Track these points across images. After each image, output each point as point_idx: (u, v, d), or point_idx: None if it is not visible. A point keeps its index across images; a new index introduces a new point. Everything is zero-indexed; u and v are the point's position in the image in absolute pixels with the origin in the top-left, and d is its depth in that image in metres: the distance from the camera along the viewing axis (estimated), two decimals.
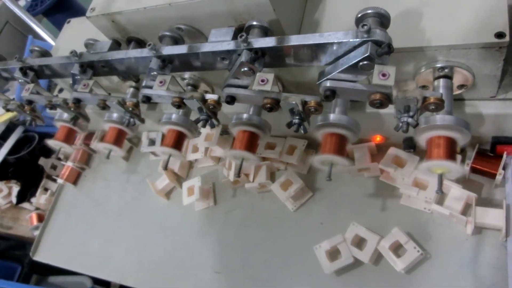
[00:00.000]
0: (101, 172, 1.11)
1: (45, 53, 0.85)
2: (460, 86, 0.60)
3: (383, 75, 0.48)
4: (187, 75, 0.75)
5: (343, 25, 0.57)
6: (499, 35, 0.52)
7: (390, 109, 0.65)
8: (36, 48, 0.85)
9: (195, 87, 0.77)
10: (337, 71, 0.52)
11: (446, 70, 0.57)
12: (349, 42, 0.50)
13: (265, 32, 0.60)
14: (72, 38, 0.98)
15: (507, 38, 0.51)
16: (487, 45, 0.52)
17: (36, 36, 1.41)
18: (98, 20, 0.73)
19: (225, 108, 0.79)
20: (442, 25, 0.56)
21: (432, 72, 0.59)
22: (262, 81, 0.56)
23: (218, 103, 0.64)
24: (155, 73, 0.65)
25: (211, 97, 0.64)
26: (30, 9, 1.81)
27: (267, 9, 0.59)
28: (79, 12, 1.93)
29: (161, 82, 0.64)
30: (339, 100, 0.61)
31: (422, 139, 0.57)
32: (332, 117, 0.58)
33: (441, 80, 0.58)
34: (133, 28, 0.72)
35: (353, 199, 0.78)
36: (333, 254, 0.72)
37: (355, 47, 0.50)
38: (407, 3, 0.61)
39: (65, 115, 0.87)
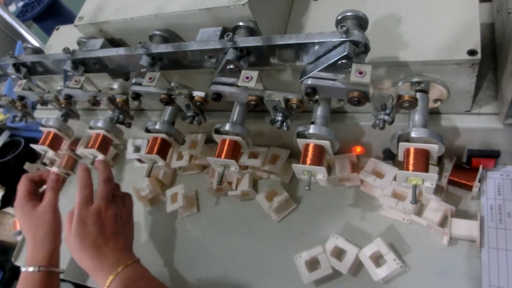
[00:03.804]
0: None
1: (38, 51, 0.86)
2: (436, 100, 0.62)
3: (360, 73, 0.50)
4: (172, 83, 0.76)
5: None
6: (472, 52, 0.54)
7: (369, 121, 0.67)
8: (29, 46, 0.86)
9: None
10: (318, 69, 0.54)
11: (422, 85, 0.59)
12: (329, 42, 0.52)
13: (251, 32, 0.62)
14: (60, 45, 0.98)
15: (479, 56, 0.53)
16: (460, 61, 0.54)
17: (25, 41, 1.41)
18: (85, 28, 0.74)
19: (210, 117, 0.81)
20: (417, 41, 0.58)
21: (409, 85, 0.60)
22: (247, 78, 0.58)
23: (205, 100, 0.66)
24: (144, 70, 0.66)
25: (198, 94, 0.66)
26: (21, 15, 1.81)
27: (250, 23, 0.60)
28: (69, 18, 1.93)
29: (150, 78, 0.65)
30: (319, 111, 0.62)
31: (397, 151, 0.59)
32: (312, 128, 0.60)
33: (418, 94, 0.60)
34: (120, 37, 0.74)
35: (334, 209, 0.79)
36: (313, 264, 0.73)
37: (334, 47, 0.52)
38: (384, 20, 0.63)
39: (51, 121, 0.87)
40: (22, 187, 0.82)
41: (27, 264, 0.76)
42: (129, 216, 0.79)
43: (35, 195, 0.83)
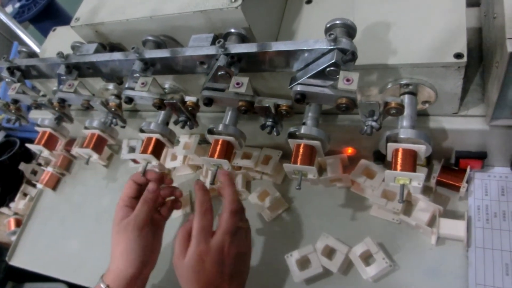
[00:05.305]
0: (81, 178, 1.12)
1: (32, 54, 0.87)
2: (424, 102, 0.63)
3: (347, 80, 0.51)
4: (167, 84, 0.77)
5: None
6: (458, 55, 0.55)
7: (360, 123, 0.68)
8: (24, 49, 0.87)
9: None
10: (307, 76, 0.55)
11: (410, 87, 0.61)
12: (318, 49, 0.54)
13: (242, 39, 0.63)
14: (57, 46, 0.99)
15: (465, 59, 0.55)
16: (447, 64, 0.56)
17: (22, 42, 1.42)
18: (82, 29, 0.75)
19: (204, 119, 0.82)
20: (406, 44, 0.59)
21: (398, 88, 0.62)
22: (237, 84, 0.59)
23: (196, 105, 0.67)
24: (137, 75, 0.67)
25: (190, 99, 0.67)
26: (17, 16, 1.82)
27: (243, 25, 0.62)
28: (65, 20, 1.94)
29: (143, 83, 0.66)
30: (310, 112, 0.64)
31: (386, 151, 0.60)
32: (303, 129, 0.61)
33: (406, 96, 0.61)
34: (115, 38, 0.75)
35: (325, 209, 0.80)
36: (304, 263, 0.74)
37: (323, 54, 0.54)
38: (374, 24, 0.64)
39: (47, 121, 0.88)
40: (124, 189, 0.74)
41: (102, 277, 0.68)
42: (249, 253, 0.69)
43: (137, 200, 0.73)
